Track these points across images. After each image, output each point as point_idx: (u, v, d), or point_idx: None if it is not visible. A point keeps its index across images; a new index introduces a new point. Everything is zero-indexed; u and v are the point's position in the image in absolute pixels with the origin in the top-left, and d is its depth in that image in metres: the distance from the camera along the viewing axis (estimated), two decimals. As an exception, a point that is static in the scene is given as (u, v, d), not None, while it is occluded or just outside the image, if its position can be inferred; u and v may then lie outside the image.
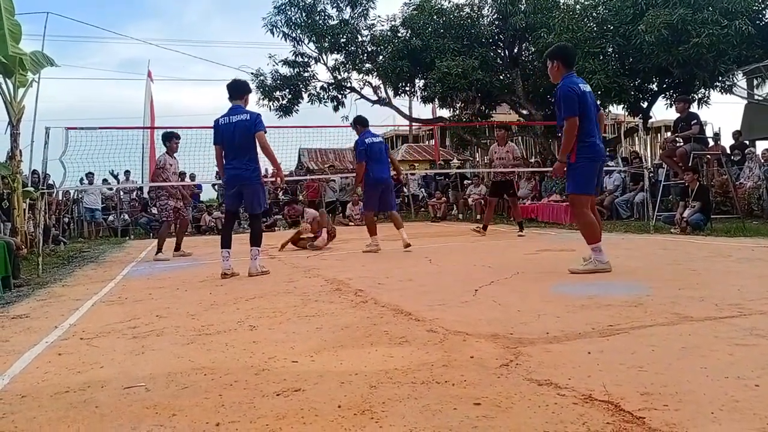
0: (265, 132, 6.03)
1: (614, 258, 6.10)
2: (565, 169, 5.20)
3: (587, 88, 5.22)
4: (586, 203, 5.20)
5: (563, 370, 2.37)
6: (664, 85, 15.36)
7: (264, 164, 6.65)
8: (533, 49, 16.30)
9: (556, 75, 5.32)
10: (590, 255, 5.17)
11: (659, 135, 24.55)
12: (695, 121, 10.01)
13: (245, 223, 16.16)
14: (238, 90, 6.18)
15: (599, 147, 5.18)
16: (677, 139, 11.26)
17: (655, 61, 12.79)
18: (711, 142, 11.22)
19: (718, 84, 13.71)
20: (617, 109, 18.10)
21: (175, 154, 8.93)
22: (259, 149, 6.04)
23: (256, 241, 6.11)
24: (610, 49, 13.82)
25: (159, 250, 8.55)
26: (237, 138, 5.98)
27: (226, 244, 6.10)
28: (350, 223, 15.76)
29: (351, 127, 8.63)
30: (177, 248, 9.02)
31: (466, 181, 17.69)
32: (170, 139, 8.83)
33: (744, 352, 2.49)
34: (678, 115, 10.41)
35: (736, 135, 13.93)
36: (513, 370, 2.41)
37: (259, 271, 6.01)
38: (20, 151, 9.46)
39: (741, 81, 13.92)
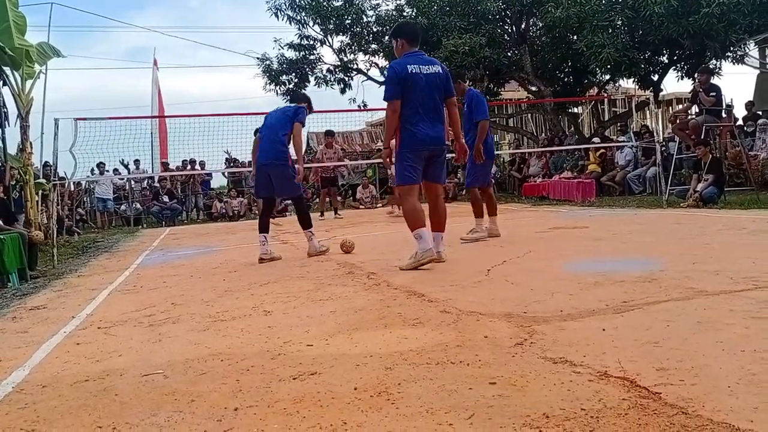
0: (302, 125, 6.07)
1: (627, 234, 6.09)
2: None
3: (430, 69, 4.72)
4: (410, 192, 4.85)
5: (578, 347, 2.37)
6: (675, 57, 15.12)
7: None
8: (541, 25, 16.07)
9: (400, 53, 4.88)
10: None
11: (670, 108, 24.26)
12: (714, 93, 9.88)
13: (257, 210, 16.30)
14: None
15: (423, 135, 4.68)
16: (689, 111, 11.13)
17: (665, 32, 12.56)
18: (724, 114, 11.08)
19: (729, 54, 13.47)
20: (628, 83, 17.89)
21: None
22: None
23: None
24: (619, 22, 13.58)
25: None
26: None
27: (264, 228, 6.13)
28: (360, 206, 15.76)
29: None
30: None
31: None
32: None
33: (760, 325, 2.48)
34: (696, 86, 10.29)
35: (749, 106, 13.74)
36: (527, 348, 2.41)
37: (318, 251, 6.13)
38: (30, 143, 9.52)
39: (753, 51, 13.66)
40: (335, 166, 13.25)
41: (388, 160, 5.03)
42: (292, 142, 6.02)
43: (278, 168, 5.97)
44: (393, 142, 4.92)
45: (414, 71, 4.63)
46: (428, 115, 4.70)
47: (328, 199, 13.34)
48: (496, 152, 9.19)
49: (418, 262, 4.63)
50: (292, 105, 6.19)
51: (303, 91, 9.71)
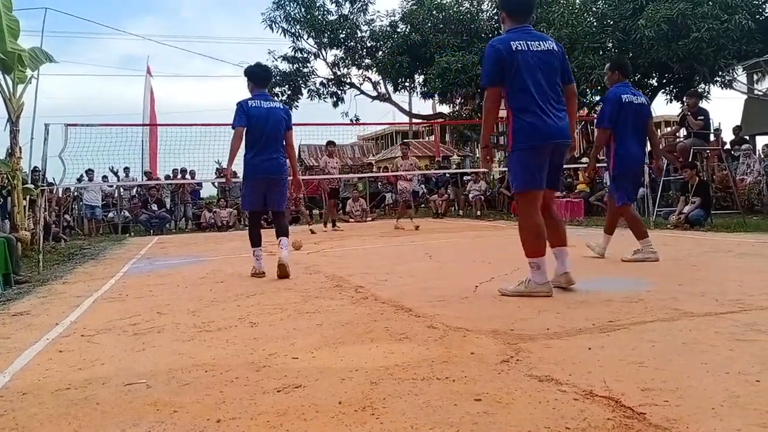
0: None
1: (614, 254, 6.11)
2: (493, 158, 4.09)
3: (542, 45, 3.83)
4: (533, 202, 3.92)
5: (564, 366, 2.37)
6: (664, 81, 15.35)
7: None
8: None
9: (504, 29, 4.04)
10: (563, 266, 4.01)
11: (659, 130, 24.53)
12: (702, 116, 10.02)
13: (246, 221, 16.26)
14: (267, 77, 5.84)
15: (543, 126, 3.77)
16: (677, 134, 11.26)
17: (654, 56, 12.77)
18: (712, 137, 11.24)
19: (718, 79, 13.71)
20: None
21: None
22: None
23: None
24: (610, 44, 13.81)
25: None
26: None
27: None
28: (350, 220, 15.74)
29: (607, 71, 5.77)
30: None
31: (465, 177, 17.68)
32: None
33: (744, 348, 2.49)
34: (684, 110, 10.45)
35: (737, 130, 13.94)
36: (513, 366, 2.41)
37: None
38: (20, 147, 9.45)
39: (741, 76, 13.94)
40: (338, 177, 13.50)
41: (486, 160, 4.10)
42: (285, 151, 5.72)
43: (281, 182, 5.70)
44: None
45: (519, 48, 3.75)
46: (547, 101, 3.80)
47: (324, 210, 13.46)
48: (480, 170, 9.20)
49: (528, 292, 3.84)
50: (281, 105, 5.82)
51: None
